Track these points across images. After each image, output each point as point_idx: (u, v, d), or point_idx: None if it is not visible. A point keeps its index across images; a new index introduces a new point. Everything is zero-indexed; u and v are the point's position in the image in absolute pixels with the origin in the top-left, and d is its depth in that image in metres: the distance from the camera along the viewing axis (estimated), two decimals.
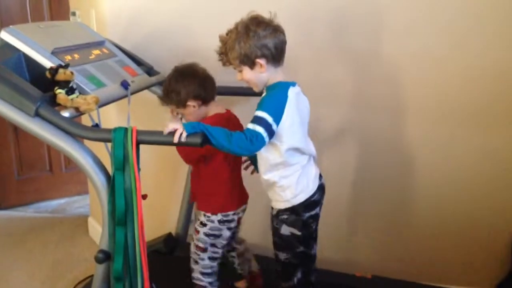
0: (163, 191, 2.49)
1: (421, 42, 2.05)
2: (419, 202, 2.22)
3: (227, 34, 1.64)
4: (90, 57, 1.82)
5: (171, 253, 2.39)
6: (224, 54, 1.65)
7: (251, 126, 1.50)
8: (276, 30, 1.59)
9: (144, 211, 1.46)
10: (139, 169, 1.44)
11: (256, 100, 2.17)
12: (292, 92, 1.60)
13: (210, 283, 1.94)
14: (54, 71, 1.51)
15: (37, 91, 1.46)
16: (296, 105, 1.60)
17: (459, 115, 2.09)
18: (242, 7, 2.18)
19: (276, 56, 1.59)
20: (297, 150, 1.63)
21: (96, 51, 1.89)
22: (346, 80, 2.17)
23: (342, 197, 2.33)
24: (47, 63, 1.59)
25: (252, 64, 1.59)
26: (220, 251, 1.93)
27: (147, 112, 2.34)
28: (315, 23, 2.12)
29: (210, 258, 1.91)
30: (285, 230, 1.67)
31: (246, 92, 2.14)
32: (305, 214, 1.67)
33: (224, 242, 1.92)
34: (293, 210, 1.66)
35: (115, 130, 1.42)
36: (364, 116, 2.19)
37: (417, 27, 2.04)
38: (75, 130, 1.45)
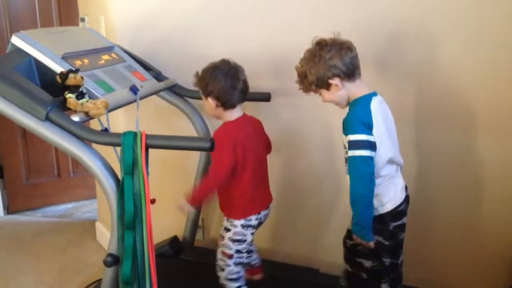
0: (169, 194, 2.50)
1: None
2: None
3: (300, 63, 1.72)
4: (100, 62, 1.83)
5: (176, 256, 2.39)
6: (302, 83, 1.73)
7: (351, 153, 1.59)
8: (341, 48, 1.63)
9: (151, 215, 1.47)
10: (148, 173, 1.45)
11: (263, 104, 2.20)
12: (375, 102, 1.64)
13: (238, 287, 1.95)
14: (64, 76, 1.52)
15: (47, 96, 1.47)
16: (381, 114, 1.65)
17: None
18: (250, 12, 2.21)
19: (348, 72, 1.63)
20: (388, 160, 1.66)
21: (106, 57, 1.90)
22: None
23: None
24: (58, 68, 1.60)
25: (327, 86, 1.65)
26: (244, 255, 1.94)
27: (155, 116, 2.35)
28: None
29: (236, 264, 1.93)
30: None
31: (255, 97, 2.16)
32: (391, 224, 1.70)
33: (248, 247, 1.94)
34: (380, 218, 1.68)
35: (125, 134, 1.43)
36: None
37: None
38: (85, 134, 1.46)
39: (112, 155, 1.57)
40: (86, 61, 1.76)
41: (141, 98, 1.84)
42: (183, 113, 2.25)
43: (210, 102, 1.86)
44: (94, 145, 1.54)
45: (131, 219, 1.45)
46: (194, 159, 2.34)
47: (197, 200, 1.86)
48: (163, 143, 1.46)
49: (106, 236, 2.77)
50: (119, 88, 1.76)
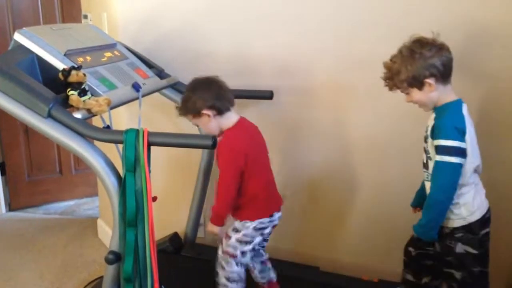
0: (171, 191, 2.50)
1: None
2: None
3: (391, 60, 1.66)
4: (102, 59, 1.83)
5: (177, 252, 2.39)
6: (390, 79, 1.67)
7: (440, 158, 1.55)
8: (441, 48, 1.60)
9: (153, 212, 1.47)
10: (149, 171, 1.44)
11: (265, 103, 2.20)
12: (464, 109, 1.62)
13: None
14: (66, 72, 1.52)
15: (49, 93, 1.47)
16: (470, 122, 1.62)
17: None
18: (254, 11, 2.21)
19: (445, 74, 1.60)
20: (475, 167, 1.64)
21: (108, 54, 1.90)
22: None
23: (361, 204, 2.33)
24: (60, 65, 1.60)
25: (420, 85, 1.61)
26: (248, 256, 1.91)
27: (157, 114, 2.35)
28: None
29: (238, 264, 1.89)
30: (460, 248, 1.65)
31: (256, 95, 2.17)
32: (480, 232, 1.65)
33: (254, 247, 1.91)
34: (468, 227, 1.64)
35: (127, 131, 1.43)
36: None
37: None
38: (87, 131, 1.46)
39: (114, 152, 1.57)
40: (88, 58, 1.76)
41: (143, 96, 1.84)
42: None
43: (206, 115, 1.81)
44: (96, 143, 1.54)
45: (132, 216, 1.45)
46: (197, 156, 2.34)
47: (219, 218, 1.83)
48: (165, 141, 1.46)
49: (107, 233, 2.77)
50: (121, 85, 1.76)
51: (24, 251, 2.85)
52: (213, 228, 1.84)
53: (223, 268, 1.91)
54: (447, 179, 1.57)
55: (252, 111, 2.15)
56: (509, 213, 2.05)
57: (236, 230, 1.88)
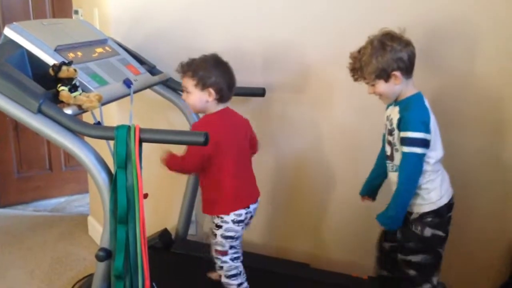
0: (162, 188, 2.49)
1: None
2: None
3: (359, 51, 1.70)
4: (93, 55, 1.82)
5: (167, 248, 2.38)
6: (357, 70, 1.70)
7: (407, 149, 1.62)
8: (408, 44, 1.67)
9: (145, 208, 1.46)
10: (141, 167, 1.44)
11: (254, 100, 2.20)
12: (426, 101, 1.69)
13: (239, 284, 1.92)
14: (57, 68, 1.51)
15: (40, 88, 1.46)
16: (432, 114, 1.68)
17: None
18: (247, 7, 2.20)
19: (409, 68, 1.67)
20: (441, 156, 1.71)
21: (99, 49, 1.89)
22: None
23: (351, 200, 2.33)
24: (50, 60, 1.59)
25: (387, 77, 1.66)
26: (240, 250, 1.94)
27: (149, 110, 2.34)
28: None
29: (232, 259, 1.91)
30: (428, 232, 1.71)
31: (249, 92, 2.16)
32: (447, 216, 1.74)
33: (240, 241, 1.93)
34: (437, 212, 1.71)
35: (118, 128, 1.42)
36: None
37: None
38: (78, 127, 1.44)
39: (105, 149, 1.56)
40: (79, 53, 1.75)
41: (134, 92, 1.82)
42: (176, 107, 2.24)
43: (208, 93, 1.82)
44: (87, 139, 1.53)
45: (124, 213, 1.44)
46: None
47: (168, 166, 1.85)
48: (157, 137, 1.45)
49: (98, 230, 2.75)
50: (112, 81, 1.75)
51: (14, 248, 2.83)
52: (163, 159, 1.85)
53: (221, 268, 1.92)
54: (415, 169, 1.65)
55: (245, 107, 2.14)
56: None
57: (218, 226, 1.88)
